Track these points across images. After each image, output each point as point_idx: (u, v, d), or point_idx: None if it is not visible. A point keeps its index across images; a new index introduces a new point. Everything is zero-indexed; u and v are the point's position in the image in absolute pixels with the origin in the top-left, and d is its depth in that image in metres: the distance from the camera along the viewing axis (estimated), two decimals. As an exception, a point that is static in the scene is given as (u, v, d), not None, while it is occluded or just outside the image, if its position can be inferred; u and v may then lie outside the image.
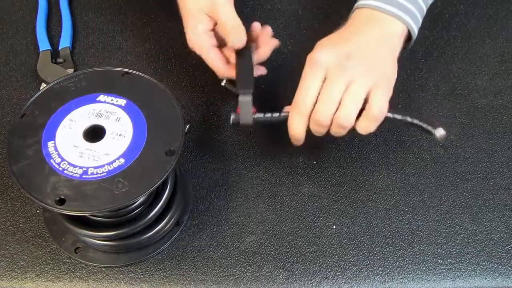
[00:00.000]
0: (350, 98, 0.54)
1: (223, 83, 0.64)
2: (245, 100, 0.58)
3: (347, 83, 0.54)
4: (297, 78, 0.57)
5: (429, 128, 0.58)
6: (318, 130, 0.57)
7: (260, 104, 0.59)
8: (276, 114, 0.59)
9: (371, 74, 0.55)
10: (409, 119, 0.58)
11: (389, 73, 0.57)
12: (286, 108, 0.59)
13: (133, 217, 0.55)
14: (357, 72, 0.54)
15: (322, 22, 0.78)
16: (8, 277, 0.56)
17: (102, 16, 0.78)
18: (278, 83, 0.70)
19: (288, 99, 0.58)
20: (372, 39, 0.57)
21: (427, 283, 0.57)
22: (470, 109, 0.71)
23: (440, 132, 0.58)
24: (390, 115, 0.57)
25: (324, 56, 0.55)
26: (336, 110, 0.54)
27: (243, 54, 0.62)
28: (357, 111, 0.54)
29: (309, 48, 0.58)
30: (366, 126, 0.55)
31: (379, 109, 0.54)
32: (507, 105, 0.71)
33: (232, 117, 0.58)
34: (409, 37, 0.60)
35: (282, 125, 0.58)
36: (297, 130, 0.57)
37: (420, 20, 0.61)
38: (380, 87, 0.55)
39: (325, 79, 0.55)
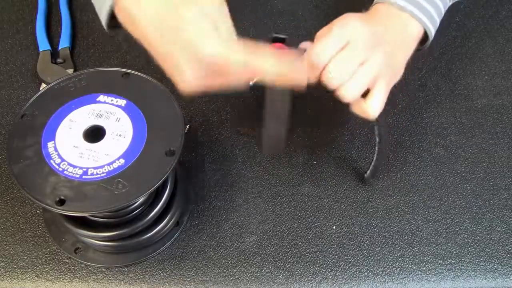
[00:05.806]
0: (361, 75, 0.53)
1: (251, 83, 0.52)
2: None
3: (364, 60, 0.53)
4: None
5: (373, 166, 0.60)
6: (324, 83, 0.54)
7: (257, 103, 0.59)
8: None
9: (385, 65, 0.54)
10: (377, 141, 0.58)
11: (397, 73, 0.57)
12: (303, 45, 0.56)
13: (133, 218, 0.55)
14: (375, 55, 0.54)
15: (322, 22, 0.78)
16: (8, 278, 0.56)
17: (102, 16, 0.78)
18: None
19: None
20: (393, 35, 0.57)
21: (427, 284, 0.57)
22: (470, 109, 0.70)
23: (369, 178, 0.62)
24: (377, 124, 0.57)
25: (355, 25, 0.54)
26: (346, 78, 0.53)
27: None
28: (362, 90, 0.54)
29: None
30: (361, 111, 0.55)
31: (378, 101, 0.54)
32: (507, 105, 0.71)
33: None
34: (425, 37, 0.60)
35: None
36: (303, 80, 0.52)
37: (438, 21, 0.60)
38: (385, 81, 0.55)
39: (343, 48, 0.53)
